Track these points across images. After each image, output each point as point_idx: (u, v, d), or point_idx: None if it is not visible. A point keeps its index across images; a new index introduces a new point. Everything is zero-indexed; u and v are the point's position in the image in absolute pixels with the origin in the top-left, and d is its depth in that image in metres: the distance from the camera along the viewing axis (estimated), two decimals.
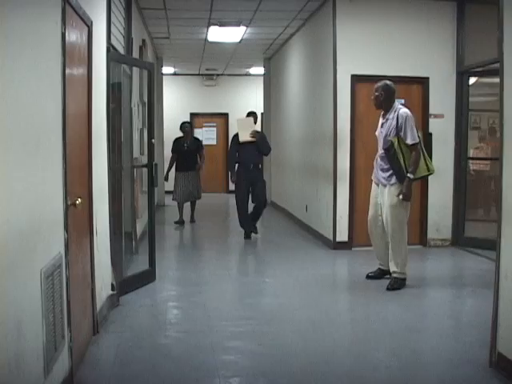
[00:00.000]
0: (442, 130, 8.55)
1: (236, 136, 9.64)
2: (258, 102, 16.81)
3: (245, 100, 17.78)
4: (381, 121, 6.41)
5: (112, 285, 5.53)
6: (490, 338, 4.13)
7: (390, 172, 6.19)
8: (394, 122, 6.16)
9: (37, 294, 3.10)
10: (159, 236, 9.38)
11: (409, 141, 6.11)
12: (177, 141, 11.50)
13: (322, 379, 4.07)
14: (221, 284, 6.64)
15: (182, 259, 8.40)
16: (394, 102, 6.35)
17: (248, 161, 9.49)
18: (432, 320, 5.50)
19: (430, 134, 8.41)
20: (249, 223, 9.65)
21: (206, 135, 17.82)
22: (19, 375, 2.78)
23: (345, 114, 8.35)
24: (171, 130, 14.78)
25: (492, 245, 4.39)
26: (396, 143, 6.10)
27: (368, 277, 6.65)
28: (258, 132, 9.61)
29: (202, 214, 12.03)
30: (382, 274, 6.61)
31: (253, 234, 9.71)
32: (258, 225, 9.90)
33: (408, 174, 6.08)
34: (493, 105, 7.66)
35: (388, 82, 6.38)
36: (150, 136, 6.70)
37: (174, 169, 11.47)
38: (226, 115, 17.96)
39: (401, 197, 6.11)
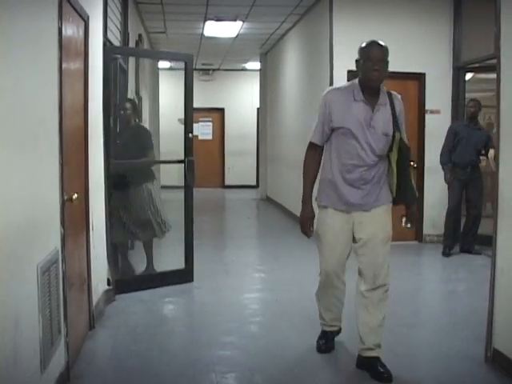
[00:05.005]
0: (439, 125, 8.54)
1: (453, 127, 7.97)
2: (254, 97, 16.82)
3: (241, 95, 17.80)
4: (362, 109, 3.88)
5: (108, 280, 5.52)
6: (485, 333, 4.14)
7: (380, 189, 3.97)
8: (390, 110, 3.95)
9: (33, 290, 3.09)
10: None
11: (406, 139, 4.05)
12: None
13: (319, 375, 4.07)
14: (217, 279, 6.63)
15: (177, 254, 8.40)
16: None
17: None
18: (428, 316, 5.51)
19: None
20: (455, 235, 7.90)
21: (202, 130, 17.81)
22: (16, 370, 2.77)
23: None
24: (167, 125, 14.77)
25: (488, 240, 4.40)
26: (401, 141, 3.94)
27: (322, 351, 4.36)
28: None
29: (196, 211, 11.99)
30: (333, 338, 4.46)
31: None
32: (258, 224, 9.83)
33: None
34: (489, 100, 7.68)
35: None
36: (188, 130, 6.27)
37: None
38: (222, 110, 17.95)
39: (408, 225, 4.15)
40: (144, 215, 6.22)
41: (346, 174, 3.92)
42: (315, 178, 4.12)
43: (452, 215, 7.86)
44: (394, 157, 3.90)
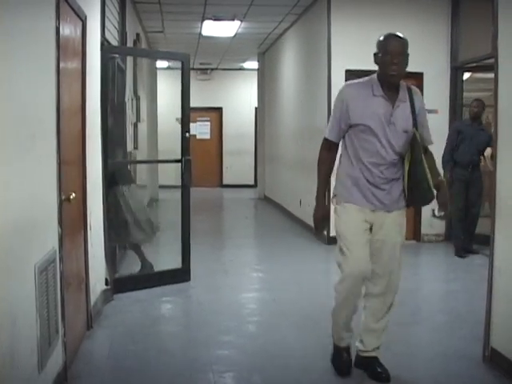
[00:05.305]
0: (437, 125, 8.52)
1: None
2: (252, 96, 16.82)
3: (239, 94, 17.79)
4: (382, 105, 3.69)
5: (106, 279, 5.52)
6: (483, 333, 4.14)
7: (402, 190, 3.77)
8: (409, 107, 3.75)
9: (31, 289, 3.09)
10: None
11: (431, 139, 4.00)
12: None
13: (317, 375, 4.07)
14: (215, 279, 6.63)
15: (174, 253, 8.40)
16: None
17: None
18: (425, 314, 5.51)
19: None
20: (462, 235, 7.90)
21: (200, 129, 17.79)
22: (13, 370, 2.77)
23: None
24: (165, 125, 14.75)
25: (486, 240, 4.40)
26: (419, 139, 3.73)
27: (346, 372, 3.96)
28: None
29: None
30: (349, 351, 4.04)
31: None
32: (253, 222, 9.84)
33: (441, 178, 3.87)
34: (487, 100, 7.68)
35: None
36: (185, 129, 6.29)
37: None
38: (219, 109, 17.95)
39: (442, 213, 3.88)
40: (121, 217, 6.01)
41: (366, 172, 3.72)
42: (329, 176, 3.95)
43: (459, 217, 7.82)
44: (407, 156, 3.70)
